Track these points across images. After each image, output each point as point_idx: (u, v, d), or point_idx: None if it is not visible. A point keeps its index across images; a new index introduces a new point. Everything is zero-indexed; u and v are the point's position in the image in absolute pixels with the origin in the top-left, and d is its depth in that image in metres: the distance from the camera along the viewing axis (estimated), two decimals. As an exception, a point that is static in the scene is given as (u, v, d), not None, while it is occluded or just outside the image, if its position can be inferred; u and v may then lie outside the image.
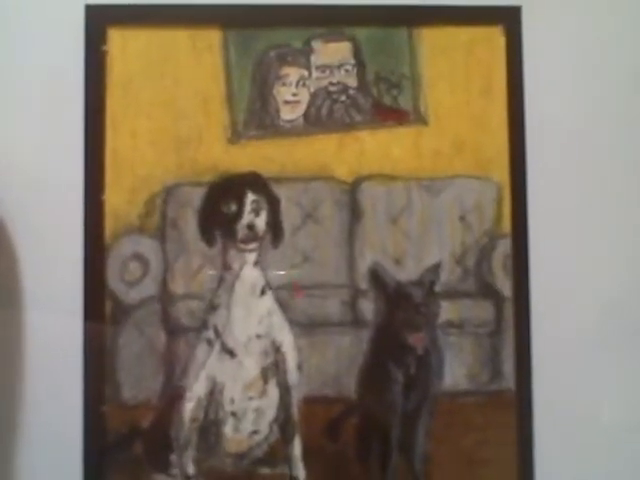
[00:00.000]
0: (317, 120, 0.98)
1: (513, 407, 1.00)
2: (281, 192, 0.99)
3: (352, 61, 1.00)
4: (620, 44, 1.01)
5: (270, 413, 0.97)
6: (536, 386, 1.00)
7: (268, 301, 0.96)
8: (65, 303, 0.98)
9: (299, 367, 0.97)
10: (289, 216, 0.98)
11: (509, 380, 0.99)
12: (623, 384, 0.99)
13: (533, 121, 1.02)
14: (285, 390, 0.97)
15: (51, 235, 0.98)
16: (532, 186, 1.00)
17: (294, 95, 0.99)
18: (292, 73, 0.98)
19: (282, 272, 0.93)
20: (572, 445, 0.99)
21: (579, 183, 0.99)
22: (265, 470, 0.98)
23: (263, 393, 0.96)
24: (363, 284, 0.99)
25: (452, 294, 0.98)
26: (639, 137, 1.02)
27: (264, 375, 0.96)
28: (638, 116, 1.01)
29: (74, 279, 0.97)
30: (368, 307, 0.99)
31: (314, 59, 0.99)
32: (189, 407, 0.96)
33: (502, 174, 1.00)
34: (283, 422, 0.98)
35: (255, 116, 0.98)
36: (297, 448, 0.98)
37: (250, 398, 0.97)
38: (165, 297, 0.96)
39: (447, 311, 1.00)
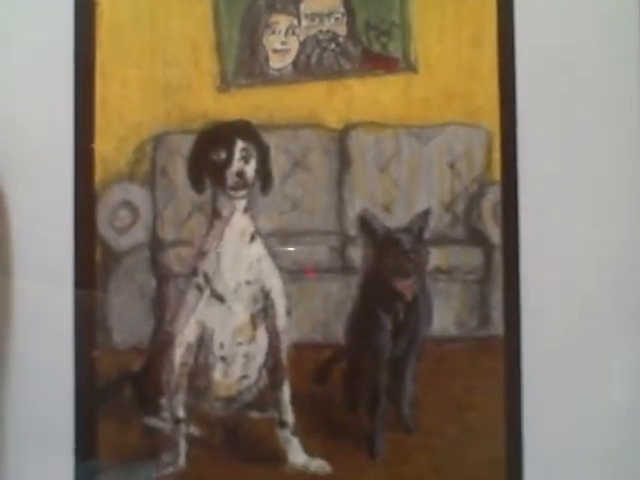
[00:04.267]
0: (306, 68, 1.04)
1: (501, 353, 1.04)
2: (270, 140, 1.03)
3: (342, 9, 1.05)
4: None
5: (259, 358, 1.03)
6: (525, 333, 1.03)
7: (258, 248, 1.02)
8: (55, 251, 1.02)
9: (288, 313, 1.03)
10: (278, 164, 1.03)
11: (497, 327, 1.03)
12: (614, 331, 1.02)
13: (524, 69, 1.05)
14: (274, 336, 1.02)
15: (40, 183, 1.02)
16: (522, 133, 1.04)
17: (283, 43, 1.04)
18: (281, 21, 1.04)
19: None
20: (560, 391, 1.03)
21: (569, 131, 1.04)
22: (254, 414, 1.04)
23: (252, 338, 1.02)
24: (352, 231, 1.04)
25: (441, 241, 1.04)
26: (633, 79, 1.04)
27: (253, 321, 1.02)
28: (631, 57, 1.04)
29: (64, 227, 1.01)
30: (357, 254, 1.04)
31: (303, 7, 1.05)
32: (179, 352, 1.02)
33: (492, 121, 1.04)
34: (272, 367, 1.03)
35: (244, 64, 1.04)
36: (286, 393, 1.03)
37: (239, 343, 1.02)
38: (155, 244, 1.02)
39: (436, 258, 1.04)
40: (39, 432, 1.03)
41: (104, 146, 1.02)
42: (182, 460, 1.03)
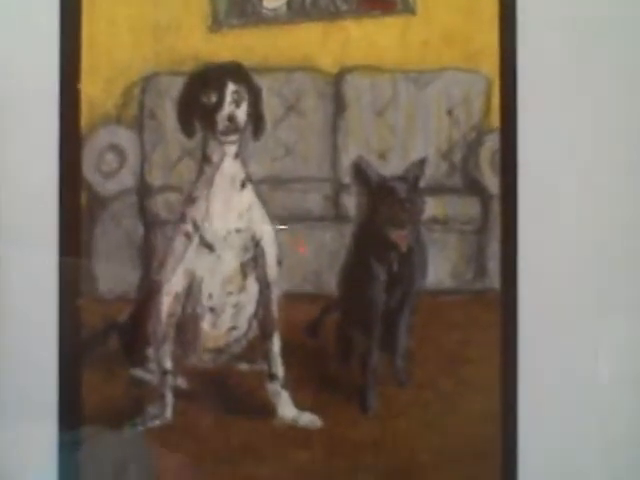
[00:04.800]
0: (301, 8, 1.01)
1: (497, 307, 1.02)
2: (263, 83, 1.01)
3: (339, -53, 1.00)
4: None
5: (249, 309, 1.00)
6: (521, 286, 1.01)
7: (248, 194, 0.99)
8: (40, 194, 0.99)
9: (279, 262, 1.00)
10: (271, 107, 1.01)
11: (494, 279, 1.02)
12: (611, 283, 1.01)
13: (525, 13, 1.02)
14: (264, 286, 1.00)
15: (24, 125, 0.99)
16: (522, 79, 1.01)
17: (277, -18, 1.00)
18: (276, -41, 1.00)
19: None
20: (556, 345, 1.01)
21: (570, 77, 1.01)
22: (243, 366, 1.02)
23: (242, 288, 1.00)
24: (346, 178, 1.01)
25: (437, 190, 1.01)
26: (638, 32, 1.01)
27: (243, 270, 1.00)
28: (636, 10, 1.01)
29: (49, 171, 0.98)
30: (351, 202, 1.01)
31: (299, -56, 0.99)
32: (166, 302, 0.99)
33: (492, 67, 1.02)
34: (262, 318, 1.01)
35: (237, 4, 1.01)
36: (276, 345, 1.01)
37: (229, 293, 1.00)
38: (142, 189, 0.99)
39: (432, 207, 1.02)
40: (23, 384, 1.00)
41: (91, 87, 1.00)
42: (169, 412, 1.02)
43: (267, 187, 1.00)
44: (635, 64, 1.02)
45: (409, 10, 1.02)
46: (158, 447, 0.99)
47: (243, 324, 1.00)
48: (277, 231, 1.00)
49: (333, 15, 1.01)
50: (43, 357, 1.00)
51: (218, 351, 1.01)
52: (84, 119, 1.00)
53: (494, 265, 1.02)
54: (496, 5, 1.02)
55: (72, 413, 0.99)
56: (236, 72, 0.99)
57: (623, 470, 1.01)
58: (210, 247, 0.98)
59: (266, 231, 1.00)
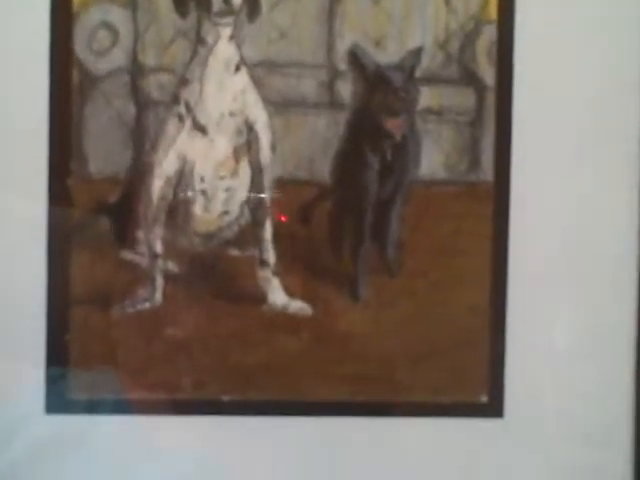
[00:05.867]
0: None
1: (490, 199, 1.03)
2: (259, -37, 0.97)
3: None
4: None
5: (241, 194, 1.01)
6: (514, 178, 1.02)
7: (242, 78, 0.99)
8: (30, 72, 1.00)
9: (272, 147, 1.01)
10: (267, -10, 0.97)
11: (487, 172, 1.03)
12: (605, 179, 1.02)
13: None
14: (257, 170, 1.01)
15: (15, 1, 0.96)
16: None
17: None
18: None
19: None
20: (546, 237, 1.03)
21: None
22: (234, 252, 1.02)
23: (234, 173, 1.00)
24: (342, 65, 1.01)
25: (433, 80, 1.02)
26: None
27: (236, 154, 1.00)
28: None
29: (40, 49, 0.98)
30: (346, 89, 1.01)
31: None
32: (158, 184, 0.99)
33: (491, -44, 0.99)
34: (254, 203, 1.01)
35: None
36: (268, 231, 1.02)
37: (221, 177, 1.00)
38: (135, 69, 0.99)
39: (427, 97, 1.03)
40: (9, 264, 1.00)
41: (83, -39, 0.95)
42: (158, 296, 1.02)
43: (261, 71, 1.00)
44: None
45: None
46: (147, 330, 0.96)
47: (235, 209, 1.01)
48: (271, 116, 0.97)
49: None
50: (32, 237, 1.00)
51: (209, 236, 1.01)
52: (76, -5, 0.95)
53: (488, 157, 1.03)
54: None
55: (61, 295, 0.97)
56: (233, -48, 0.96)
57: (611, 356, 1.02)
58: (203, 130, 0.99)
59: (260, 115, 0.98)
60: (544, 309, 1.03)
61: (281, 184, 1.02)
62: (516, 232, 1.03)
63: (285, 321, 1.02)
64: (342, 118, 1.02)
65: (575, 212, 1.04)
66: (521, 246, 1.03)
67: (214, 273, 1.01)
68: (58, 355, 0.98)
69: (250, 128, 1.00)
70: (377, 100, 1.01)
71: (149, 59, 0.99)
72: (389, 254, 1.02)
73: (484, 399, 1.01)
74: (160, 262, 1.01)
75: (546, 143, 1.04)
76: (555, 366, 1.03)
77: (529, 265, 1.03)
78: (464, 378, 1.02)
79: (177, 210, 1.01)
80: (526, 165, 1.04)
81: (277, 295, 1.01)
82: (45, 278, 1.00)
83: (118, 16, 0.99)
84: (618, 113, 1.06)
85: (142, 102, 0.99)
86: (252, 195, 1.01)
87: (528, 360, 1.04)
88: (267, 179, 1.01)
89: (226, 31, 1.00)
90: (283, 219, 0.99)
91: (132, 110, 0.99)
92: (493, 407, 1.02)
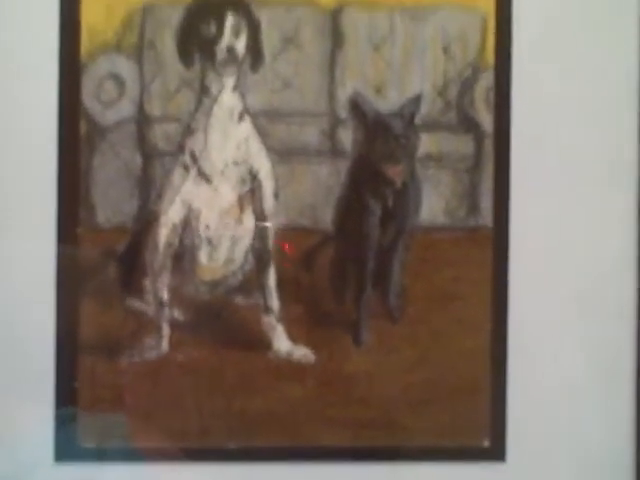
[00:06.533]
0: (301, -57, 1.01)
1: (489, 244, 1.05)
2: (262, 15, 1.03)
3: None
4: None
5: (245, 242, 1.03)
6: (513, 224, 1.04)
7: (246, 127, 1.02)
8: (38, 123, 1.01)
9: (276, 195, 1.03)
10: (269, 40, 1.03)
11: (486, 217, 1.05)
12: (601, 221, 1.04)
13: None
14: (261, 218, 1.03)
15: (24, 52, 1.01)
16: (517, 18, 1.04)
17: None
18: None
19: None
20: (545, 282, 1.04)
21: (564, 16, 1.04)
22: (239, 299, 1.04)
23: (239, 221, 1.02)
24: (343, 113, 1.03)
25: (432, 127, 1.04)
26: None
27: (240, 202, 1.02)
28: None
29: (48, 99, 1.00)
30: (347, 137, 1.04)
31: None
32: (164, 232, 1.02)
33: (487, 5, 1.05)
34: (258, 251, 1.03)
35: None
36: (272, 278, 1.04)
37: (226, 225, 1.02)
38: (141, 119, 1.01)
39: (427, 144, 1.05)
40: (20, 312, 1.01)
41: (91, 15, 1.01)
42: (165, 344, 1.04)
43: (265, 120, 1.03)
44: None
45: (406, -53, 1.02)
46: (154, 378, 0.98)
47: (239, 257, 1.03)
48: (274, 164, 1.00)
49: (333, -49, 1.01)
50: (41, 285, 1.01)
51: (214, 283, 1.03)
52: (84, 47, 1.01)
53: (487, 202, 1.05)
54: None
55: (69, 342, 0.99)
56: (236, 4, 1.02)
57: (612, 398, 1.03)
58: (208, 179, 1.01)
59: (263, 164, 1.01)
60: (545, 353, 1.05)
61: (284, 231, 1.02)
62: (515, 276, 1.04)
63: (289, 367, 1.05)
64: (343, 166, 1.05)
65: (574, 255, 1.06)
66: (521, 290, 1.05)
67: (219, 320, 1.03)
68: (67, 403, 0.99)
69: (254, 176, 1.02)
70: (378, 147, 1.03)
71: (155, 109, 1.02)
72: (391, 300, 1.04)
73: (486, 443, 1.03)
74: (166, 310, 1.03)
75: (544, 188, 1.06)
76: (556, 410, 1.05)
77: (529, 309, 1.05)
78: (466, 422, 1.04)
79: (183, 258, 1.03)
80: (525, 210, 1.06)
81: (281, 342, 1.04)
82: (54, 326, 1.02)
83: (125, 67, 1.02)
84: (615, 159, 1.08)
85: (148, 152, 1.02)
86: (256, 243, 1.02)
87: (529, 404, 1.05)
88: (271, 227, 1.01)
89: (230, 81, 1.03)
90: (288, 257, 1.00)
91: (139, 160, 1.02)
92: (495, 451, 1.04)
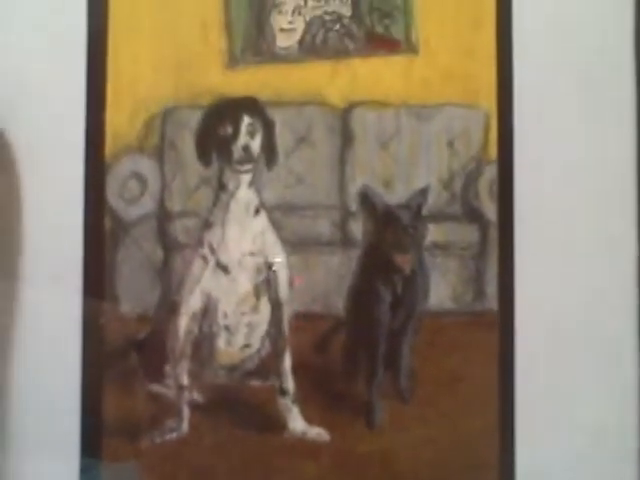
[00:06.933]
0: (312, 48, 1.10)
1: (495, 327, 1.10)
2: (276, 116, 1.09)
3: (347, -9, 1.09)
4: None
5: (262, 328, 1.09)
6: (518, 307, 1.09)
7: (262, 220, 1.08)
8: (66, 219, 1.08)
9: (290, 284, 1.08)
10: (283, 139, 1.10)
11: (492, 301, 1.10)
12: (606, 302, 1.10)
13: (521, 52, 1.12)
14: (276, 306, 1.09)
15: (53, 154, 1.08)
16: (518, 115, 1.10)
17: (290, 23, 1.11)
18: (288, 2, 1.11)
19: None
20: (551, 365, 1.10)
21: (565, 112, 1.11)
22: (256, 382, 1.10)
23: (255, 308, 1.09)
24: (353, 206, 1.10)
25: (439, 217, 1.10)
26: (625, 86, 1.12)
27: (256, 291, 1.08)
28: (625, 43, 1.11)
29: (75, 197, 1.07)
30: (357, 228, 1.10)
31: (310, -12, 1.08)
32: (184, 320, 1.08)
33: (490, 102, 1.11)
34: (274, 337, 1.09)
35: (252, 43, 1.10)
36: (287, 362, 1.09)
37: (243, 313, 1.09)
38: (162, 215, 1.08)
39: (434, 233, 1.11)
40: (47, 398, 1.08)
41: (115, 119, 1.08)
42: (185, 426, 1.09)
43: (279, 213, 1.09)
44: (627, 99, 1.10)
45: (412, 50, 1.11)
46: (173, 459, 1.04)
47: (256, 342, 1.09)
48: (289, 255, 1.07)
49: (341, 54, 1.11)
50: (67, 372, 1.07)
51: (232, 368, 1.09)
52: (108, 148, 1.08)
53: (492, 288, 1.10)
54: (493, 45, 1.11)
55: (94, 426, 1.05)
56: (251, 106, 1.08)
57: (618, 472, 1.08)
58: (225, 269, 1.07)
59: (278, 255, 1.08)
60: (552, 431, 1.09)
61: (299, 318, 1.09)
62: (521, 358, 1.10)
63: (305, 447, 1.09)
64: (354, 255, 1.11)
65: (578, 340, 1.11)
66: (527, 371, 1.10)
67: (237, 403, 1.09)
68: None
69: (269, 267, 1.09)
70: (387, 237, 1.09)
71: (175, 205, 1.09)
72: (402, 382, 1.10)
73: (496, 522, 1.06)
74: (186, 394, 1.09)
75: (548, 273, 1.11)
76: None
77: (535, 389, 1.09)
78: (476, 501, 1.06)
79: (202, 344, 1.09)
80: (529, 294, 1.11)
81: (297, 422, 1.09)
82: (79, 410, 1.08)
83: (147, 166, 1.08)
84: (616, 244, 1.12)
85: (169, 245, 1.08)
86: (272, 329, 1.08)
87: (537, 481, 1.07)
88: (286, 314, 1.10)
89: (246, 178, 1.09)
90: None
91: (160, 253, 1.08)
92: (505, 530, 1.06)
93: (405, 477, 1.09)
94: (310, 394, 1.10)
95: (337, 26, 1.10)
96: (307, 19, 1.11)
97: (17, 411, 1.09)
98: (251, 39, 1.11)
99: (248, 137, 1.07)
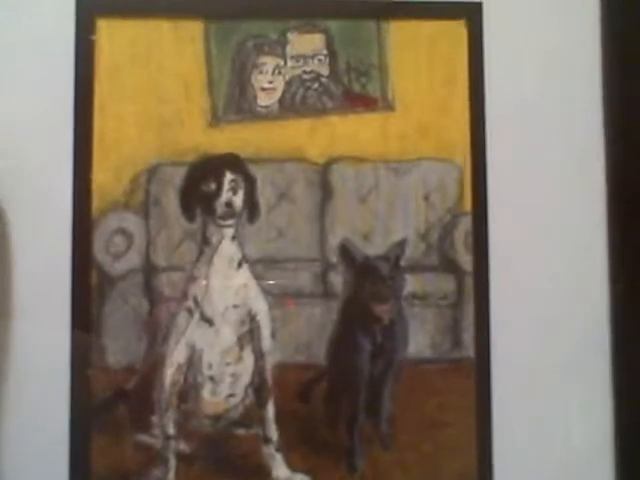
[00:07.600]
0: (291, 106, 1.15)
1: (472, 374, 1.14)
2: (257, 172, 1.14)
3: (324, 51, 1.17)
4: (573, 43, 1.18)
5: (245, 378, 1.13)
6: (494, 354, 1.14)
7: (245, 273, 1.12)
8: (52, 275, 1.11)
9: (273, 335, 1.13)
10: (265, 194, 1.14)
11: (469, 349, 1.14)
12: (577, 351, 1.15)
13: (493, 108, 1.17)
14: (260, 356, 1.13)
15: (40, 211, 1.12)
16: (491, 168, 1.15)
17: (270, 82, 1.16)
18: (269, 62, 1.15)
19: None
20: (528, 409, 1.14)
21: (536, 165, 1.16)
22: (240, 431, 1.13)
23: (239, 359, 1.12)
24: (333, 258, 1.14)
25: (416, 268, 1.15)
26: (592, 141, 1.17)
27: (240, 342, 1.12)
28: (595, 96, 1.19)
29: (62, 252, 1.11)
30: (338, 280, 1.14)
31: (289, 49, 1.17)
32: (170, 372, 1.12)
33: (464, 157, 1.16)
34: (257, 386, 1.13)
35: (234, 102, 1.15)
36: (270, 410, 1.13)
37: (227, 364, 1.12)
38: (148, 269, 1.12)
39: (411, 284, 1.15)
40: (35, 448, 1.11)
41: (101, 176, 1.12)
42: (172, 475, 1.12)
43: (261, 266, 1.13)
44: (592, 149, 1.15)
45: (389, 107, 1.16)
46: (161, 507, 1.08)
47: (240, 392, 1.13)
48: (271, 307, 1.11)
49: (320, 112, 1.16)
50: (55, 423, 1.10)
51: (217, 417, 1.12)
52: (95, 205, 1.12)
53: (469, 336, 1.15)
54: (466, 101, 1.16)
55: (82, 475, 1.08)
56: (233, 163, 1.13)
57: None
58: (210, 321, 1.11)
59: (261, 307, 1.11)
60: (529, 476, 1.12)
61: (281, 367, 1.13)
62: (498, 403, 1.14)
63: (288, 494, 1.09)
64: (335, 306, 1.15)
65: (553, 385, 1.16)
66: (503, 416, 1.14)
67: (222, 451, 1.12)
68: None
69: (252, 318, 1.13)
70: (366, 288, 1.13)
71: (160, 259, 1.13)
72: (383, 429, 1.13)
73: None
74: (173, 443, 1.12)
75: (523, 321, 1.15)
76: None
77: (513, 435, 1.13)
78: None
79: (188, 394, 1.12)
80: (504, 341, 1.15)
81: (280, 469, 1.12)
82: (67, 462, 1.10)
83: (132, 222, 1.12)
84: (588, 288, 1.17)
85: (155, 298, 1.12)
86: (255, 378, 1.12)
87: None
88: (268, 363, 1.14)
89: (229, 232, 1.14)
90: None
91: (146, 306, 1.12)
92: None
93: (387, 522, 1.10)
94: (293, 441, 1.13)
95: (316, 85, 1.14)
96: (287, 78, 1.15)
97: (5, 463, 1.10)
98: (233, 98, 1.14)
99: (231, 193, 1.11)
